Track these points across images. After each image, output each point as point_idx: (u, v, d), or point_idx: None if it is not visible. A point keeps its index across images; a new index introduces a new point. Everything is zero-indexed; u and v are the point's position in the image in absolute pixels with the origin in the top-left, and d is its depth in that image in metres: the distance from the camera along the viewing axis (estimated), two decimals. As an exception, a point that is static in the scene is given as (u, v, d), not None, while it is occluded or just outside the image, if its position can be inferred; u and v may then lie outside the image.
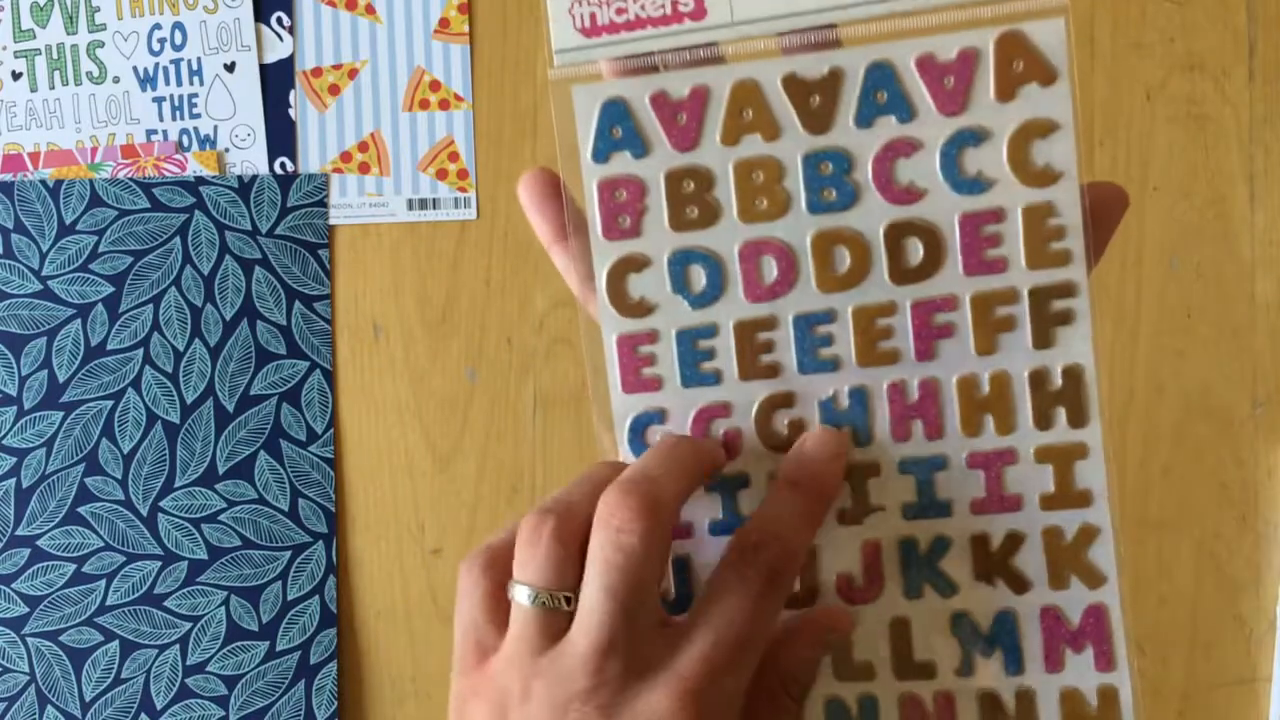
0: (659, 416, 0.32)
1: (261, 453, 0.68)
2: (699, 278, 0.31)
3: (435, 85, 0.67)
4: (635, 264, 0.31)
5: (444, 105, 0.67)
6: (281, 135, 0.68)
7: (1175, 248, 0.64)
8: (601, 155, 0.31)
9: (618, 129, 0.31)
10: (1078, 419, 0.30)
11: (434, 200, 0.67)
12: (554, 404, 0.67)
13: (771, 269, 0.31)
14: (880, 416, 0.31)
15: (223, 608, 0.68)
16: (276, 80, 0.68)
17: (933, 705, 0.31)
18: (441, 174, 0.67)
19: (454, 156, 0.67)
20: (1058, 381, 0.30)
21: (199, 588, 0.68)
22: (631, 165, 0.31)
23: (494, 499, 0.68)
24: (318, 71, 0.68)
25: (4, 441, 0.68)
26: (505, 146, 0.67)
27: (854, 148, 0.30)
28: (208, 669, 0.68)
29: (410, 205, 0.67)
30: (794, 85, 0.30)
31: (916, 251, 0.30)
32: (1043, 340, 0.30)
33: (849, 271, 0.31)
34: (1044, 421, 0.30)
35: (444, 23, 0.67)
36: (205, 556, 0.68)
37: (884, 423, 0.31)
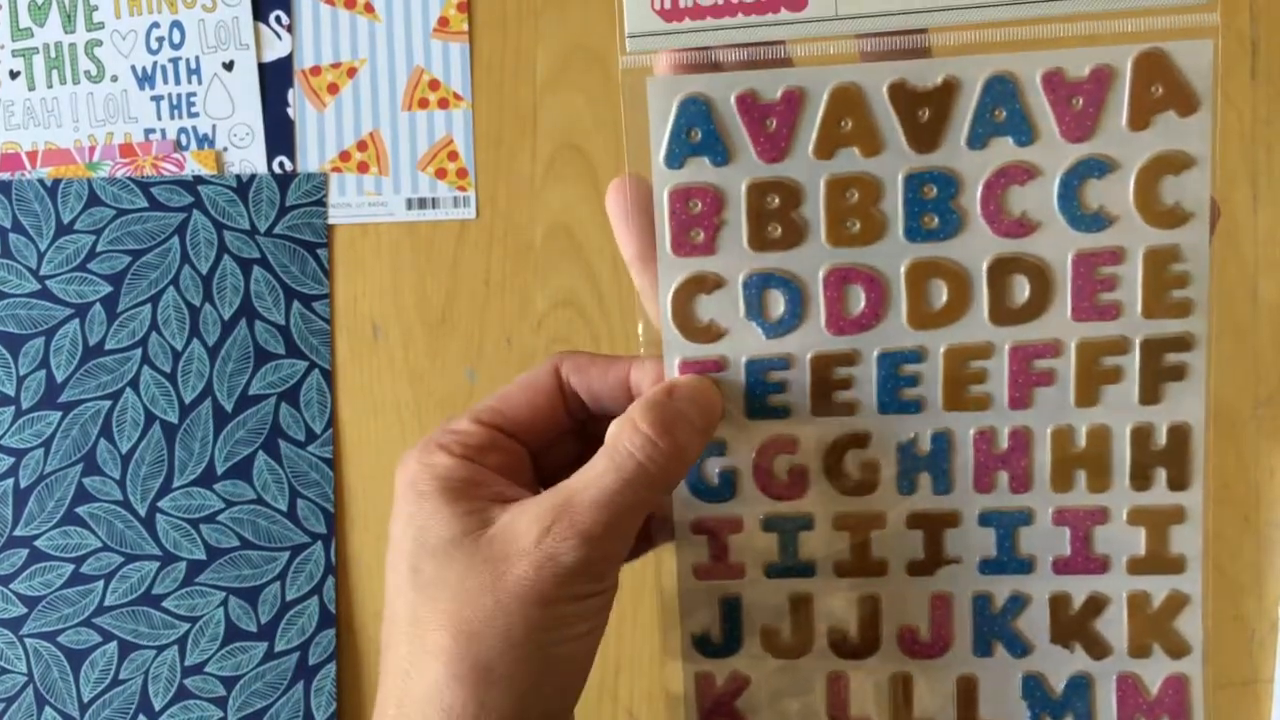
0: (720, 449, 0.29)
1: (260, 453, 0.68)
2: (777, 304, 0.28)
3: (434, 84, 0.67)
4: (706, 284, 0.28)
5: (443, 104, 0.67)
6: (280, 134, 0.68)
7: (1177, 248, 0.64)
8: (676, 160, 0.28)
9: (696, 131, 0.28)
10: (1180, 481, 0.28)
11: (433, 200, 0.67)
12: (554, 404, 0.67)
13: (859, 299, 0.28)
14: (963, 464, 0.29)
15: (221, 608, 0.67)
16: (275, 79, 0.68)
17: None
18: (441, 173, 0.67)
19: (453, 156, 0.67)
20: (1162, 440, 0.28)
21: (197, 588, 0.67)
22: (710, 173, 0.28)
23: (493, 499, 0.67)
24: (316, 70, 0.67)
25: (2, 441, 0.68)
26: (504, 146, 0.67)
27: (963, 170, 0.27)
28: (206, 670, 0.68)
29: (409, 205, 0.67)
30: (901, 95, 0.27)
31: (1022, 290, 0.28)
32: (1151, 395, 0.28)
33: (945, 308, 0.28)
34: (1142, 481, 0.28)
35: (443, 21, 0.67)
36: (204, 557, 0.67)
37: (967, 471, 0.29)
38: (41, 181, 0.68)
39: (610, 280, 0.66)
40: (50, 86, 0.68)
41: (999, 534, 0.29)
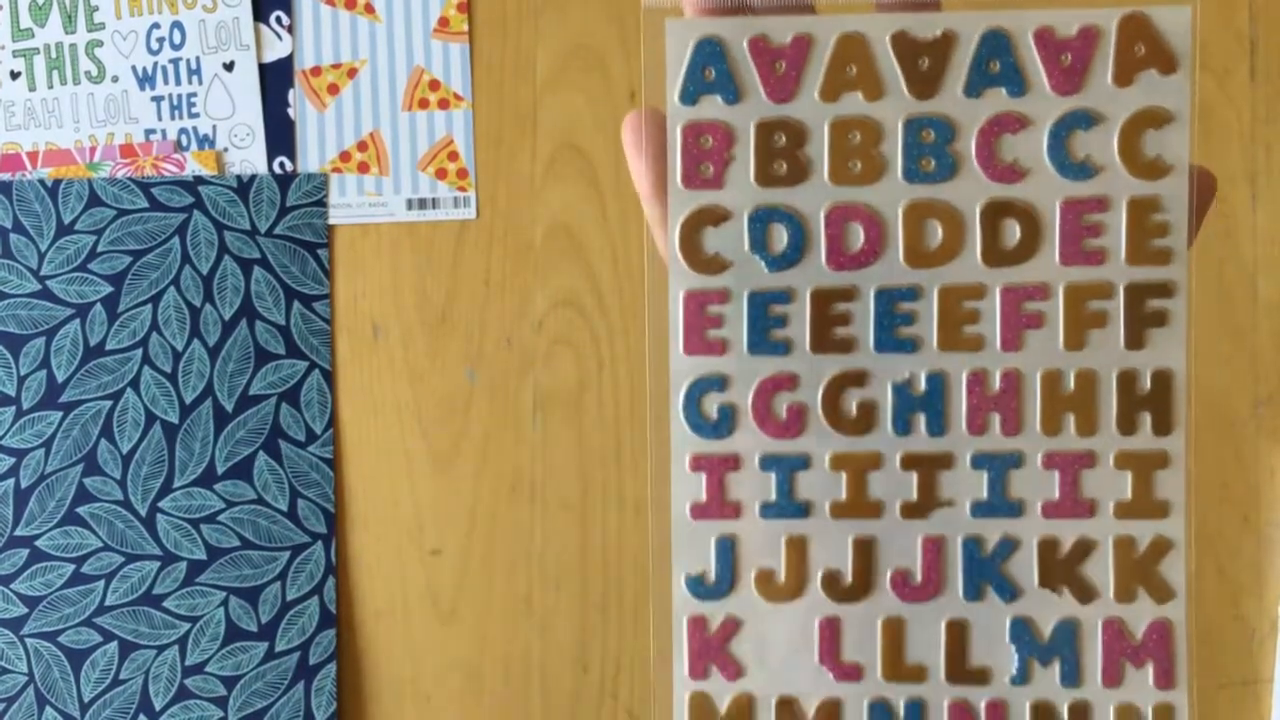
0: (719, 384, 0.30)
1: (260, 453, 0.68)
2: (780, 238, 0.30)
3: (434, 84, 0.67)
4: (714, 216, 0.30)
5: (443, 104, 0.67)
6: (280, 135, 0.68)
7: (1176, 247, 0.64)
8: (690, 97, 0.29)
9: (710, 70, 0.29)
10: (1163, 426, 0.29)
11: (433, 200, 0.67)
12: (554, 404, 0.67)
13: (858, 236, 0.29)
14: (957, 406, 0.30)
15: (222, 608, 0.67)
16: (275, 79, 0.68)
17: (984, 714, 0.30)
18: (441, 173, 0.67)
19: (453, 156, 0.67)
20: (1146, 385, 0.29)
21: (198, 588, 0.67)
22: (721, 110, 0.29)
23: (493, 499, 0.67)
24: (317, 71, 0.68)
25: (2, 442, 0.68)
26: (505, 146, 0.67)
27: (959, 117, 0.29)
28: (207, 669, 0.68)
29: (409, 205, 0.67)
30: (903, 44, 0.29)
31: (1013, 234, 0.29)
32: (1135, 341, 0.29)
33: (940, 248, 0.29)
34: (1128, 426, 0.29)
35: (443, 22, 0.67)
36: (204, 557, 0.67)
37: (961, 413, 0.30)
38: (42, 182, 0.68)
39: (610, 280, 0.66)
40: (51, 87, 0.68)
41: (990, 476, 0.30)
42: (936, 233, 0.29)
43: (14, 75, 0.68)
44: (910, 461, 0.30)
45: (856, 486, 0.30)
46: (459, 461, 0.68)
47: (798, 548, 0.30)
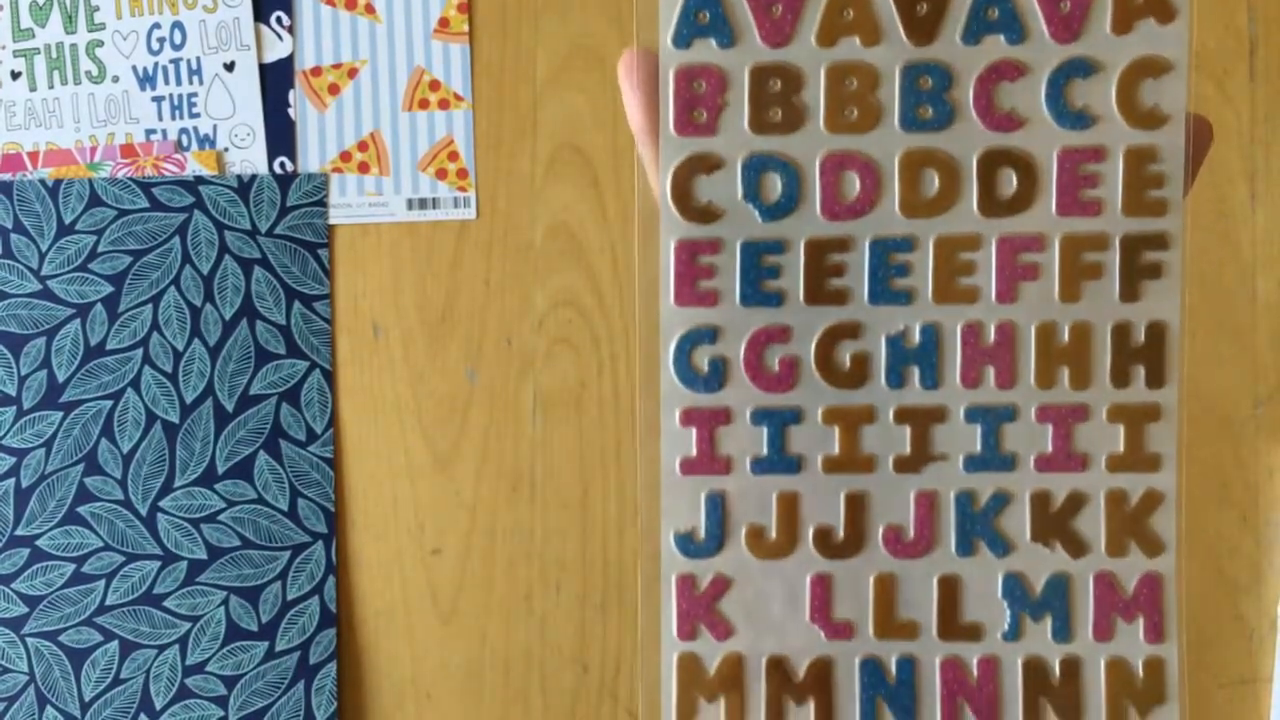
0: (710, 335, 0.29)
1: (261, 452, 0.68)
2: (774, 186, 0.29)
3: (435, 85, 0.67)
4: (706, 164, 0.29)
5: (444, 105, 0.67)
6: (281, 135, 0.68)
7: (1176, 247, 0.64)
8: (683, 40, 0.29)
9: (704, 13, 0.29)
10: (1156, 379, 0.29)
11: (433, 200, 0.67)
12: (554, 404, 0.67)
13: (853, 185, 0.29)
14: (951, 359, 0.29)
15: (222, 608, 0.68)
16: (276, 80, 0.68)
17: (976, 670, 0.30)
18: (441, 174, 0.67)
19: (453, 156, 0.67)
20: (1140, 338, 0.29)
21: (198, 588, 0.68)
22: (715, 54, 0.29)
23: (494, 499, 0.67)
24: (317, 71, 0.68)
25: (3, 441, 0.68)
26: (505, 146, 0.67)
27: (957, 64, 0.28)
28: (207, 669, 0.68)
29: (410, 205, 0.67)
30: None
31: (1010, 183, 0.29)
32: (1130, 293, 0.29)
33: (936, 197, 0.29)
34: (1121, 379, 0.29)
35: (444, 22, 0.67)
36: (205, 556, 0.68)
37: (955, 366, 0.29)
38: (43, 182, 0.68)
39: (610, 280, 0.66)
40: (51, 87, 0.68)
41: (984, 430, 0.29)
42: (933, 182, 0.29)
43: (14, 75, 0.68)
44: (903, 415, 0.29)
45: (849, 441, 0.30)
46: (459, 461, 0.68)
47: (789, 503, 0.30)
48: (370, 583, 0.68)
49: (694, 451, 0.30)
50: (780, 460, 0.30)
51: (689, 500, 0.30)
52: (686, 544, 0.30)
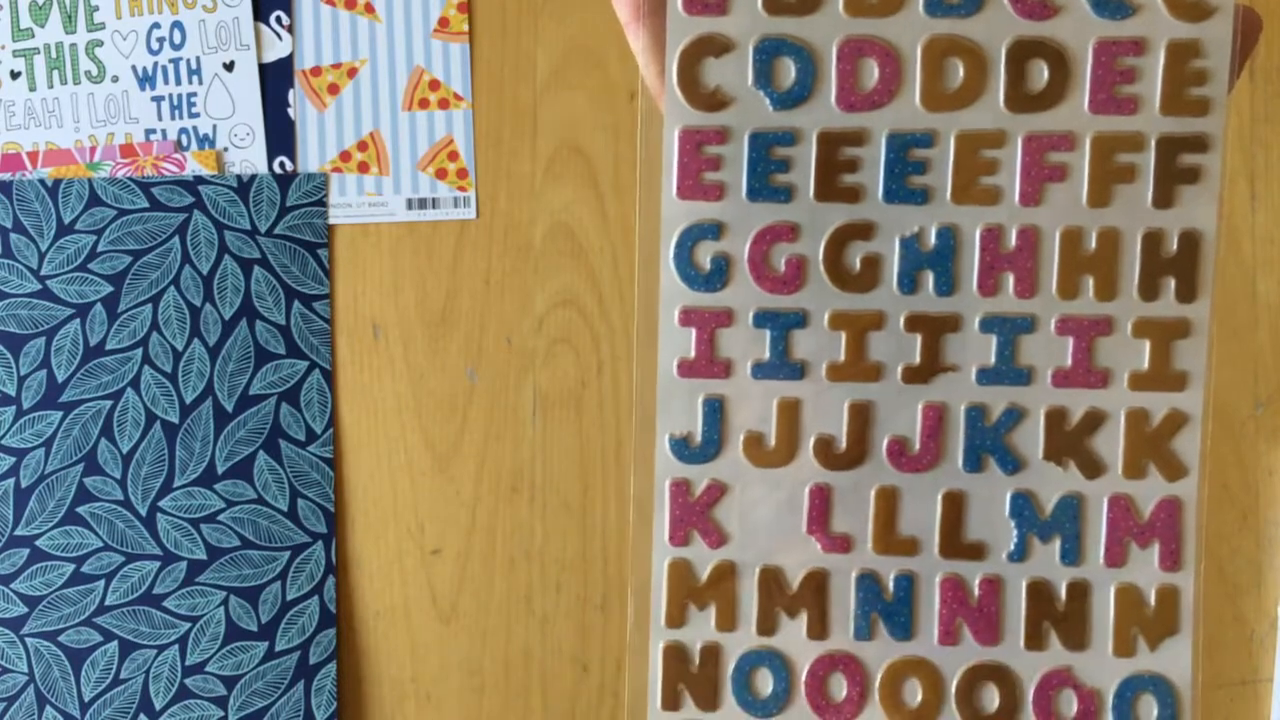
0: (714, 231, 0.28)
1: (260, 453, 0.68)
2: (787, 72, 0.27)
3: (434, 84, 0.67)
4: (715, 46, 0.27)
5: (443, 104, 0.67)
6: (280, 134, 0.68)
7: (1176, 247, 0.64)
8: None
9: None
10: (1188, 293, 0.27)
11: (433, 200, 0.67)
12: (554, 404, 0.67)
13: (872, 73, 0.27)
14: (968, 264, 0.27)
15: (222, 608, 0.67)
16: (275, 79, 0.68)
17: (977, 591, 0.28)
18: (441, 173, 0.67)
19: (453, 156, 0.67)
20: (1173, 247, 0.27)
21: (198, 588, 0.67)
22: None
23: (493, 499, 0.67)
24: (317, 71, 0.68)
25: (3, 441, 0.68)
26: (504, 146, 0.67)
27: None
28: (207, 669, 0.68)
29: (409, 205, 0.67)
30: None
31: (1040, 76, 0.26)
32: (1164, 198, 0.26)
33: (960, 89, 0.27)
34: (1150, 291, 0.27)
35: (443, 22, 0.67)
36: (204, 556, 0.67)
37: (971, 272, 0.27)
38: (42, 182, 0.68)
39: (610, 280, 0.66)
40: (51, 87, 0.68)
41: (999, 341, 0.28)
42: (957, 72, 0.27)
43: (14, 75, 0.68)
44: (914, 322, 0.28)
45: (856, 347, 0.28)
46: (459, 461, 0.68)
47: (790, 411, 0.28)
48: (370, 583, 0.68)
49: (693, 353, 0.28)
50: (783, 365, 0.28)
51: (686, 403, 0.29)
52: (682, 448, 0.29)
